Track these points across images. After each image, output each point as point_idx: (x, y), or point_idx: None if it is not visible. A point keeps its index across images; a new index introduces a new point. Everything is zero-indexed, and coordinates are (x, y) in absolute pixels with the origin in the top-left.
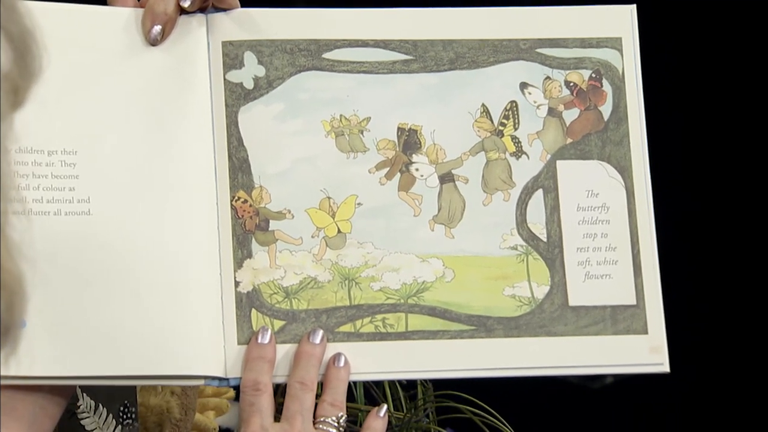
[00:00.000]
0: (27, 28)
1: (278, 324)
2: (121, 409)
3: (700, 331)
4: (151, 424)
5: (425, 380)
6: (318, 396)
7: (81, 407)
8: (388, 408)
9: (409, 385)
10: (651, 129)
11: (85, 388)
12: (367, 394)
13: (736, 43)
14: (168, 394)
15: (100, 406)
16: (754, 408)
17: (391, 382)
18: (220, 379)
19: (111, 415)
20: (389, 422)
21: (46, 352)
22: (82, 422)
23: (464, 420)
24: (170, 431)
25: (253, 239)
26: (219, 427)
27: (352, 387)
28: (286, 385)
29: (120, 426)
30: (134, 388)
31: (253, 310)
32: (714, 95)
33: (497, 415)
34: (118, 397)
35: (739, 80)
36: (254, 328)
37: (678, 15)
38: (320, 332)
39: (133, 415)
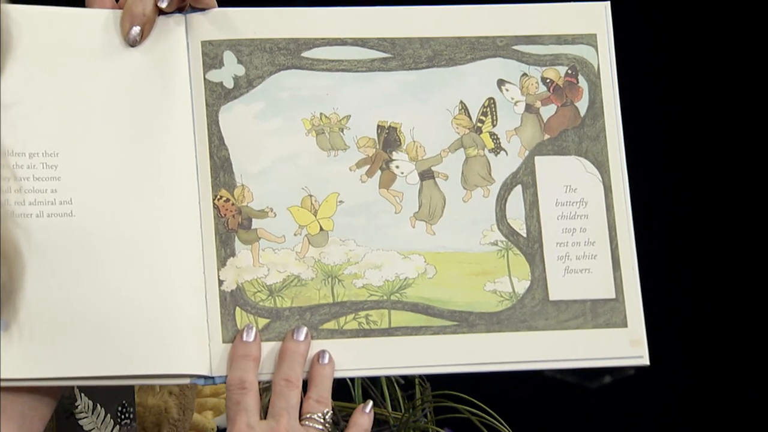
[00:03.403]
0: None
1: (262, 322)
2: (119, 409)
3: (696, 329)
4: (149, 424)
5: (423, 380)
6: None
7: (79, 407)
8: (387, 408)
9: (407, 385)
10: (627, 124)
11: (82, 389)
12: (365, 394)
13: (711, 36)
14: (166, 394)
15: (98, 406)
16: (752, 404)
17: (389, 382)
18: (205, 377)
19: (109, 416)
20: (387, 422)
21: (31, 354)
22: (80, 422)
23: (462, 420)
24: (168, 431)
25: (236, 238)
26: (217, 427)
27: (349, 386)
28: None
29: (118, 426)
30: (132, 388)
31: (238, 309)
32: (690, 88)
33: (495, 415)
34: (116, 397)
35: (715, 72)
36: (239, 327)
37: (652, 10)
38: (304, 329)
39: (131, 415)
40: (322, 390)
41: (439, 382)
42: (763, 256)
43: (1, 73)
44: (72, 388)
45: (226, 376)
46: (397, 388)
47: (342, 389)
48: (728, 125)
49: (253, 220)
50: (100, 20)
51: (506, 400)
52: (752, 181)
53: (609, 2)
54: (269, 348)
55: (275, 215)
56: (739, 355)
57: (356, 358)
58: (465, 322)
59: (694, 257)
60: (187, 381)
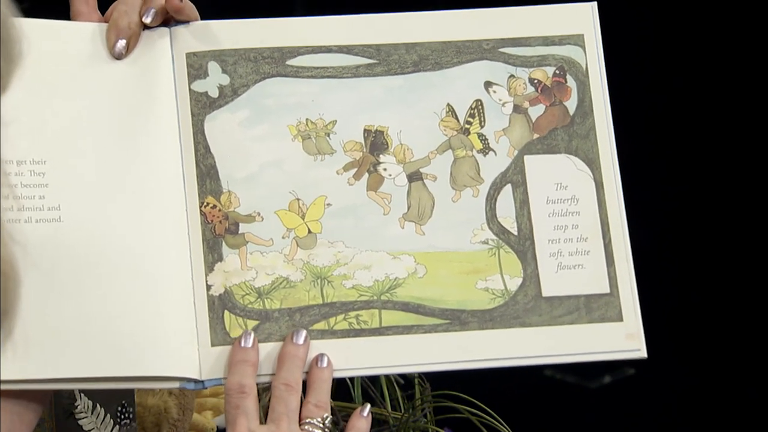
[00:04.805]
0: (5, 14)
1: (251, 324)
2: (119, 409)
3: (694, 329)
4: (149, 424)
5: (423, 380)
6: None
7: (79, 407)
8: (386, 408)
9: (407, 385)
10: (618, 121)
11: (82, 389)
12: (364, 394)
13: (696, 33)
14: (166, 394)
15: (98, 406)
16: (751, 404)
17: (389, 382)
18: (195, 381)
19: (108, 416)
20: (387, 422)
21: (21, 357)
22: (79, 422)
23: (462, 420)
24: (168, 431)
25: (224, 243)
26: (216, 427)
27: (349, 387)
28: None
29: (117, 426)
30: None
31: (226, 312)
32: (678, 82)
33: (495, 415)
34: (115, 397)
35: (703, 68)
36: (227, 330)
37: (639, 4)
38: (303, 333)
39: (131, 416)
40: (321, 394)
41: (439, 382)
42: (758, 251)
43: (8, 87)
44: (50, 394)
45: (216, 379)
46: (396, 388)
47: (342, 389)
48: (720, 116)
49: (240, 224)
50: (86, 33)
51: (506, 400)
52: (743, 175)
53: (596, 2)
54: (258, 348)
55: (262, 219)
56: (738, 355)
57: (347, 357)
58: (457, 320)
59: (691, 253)
60: (176, 385)
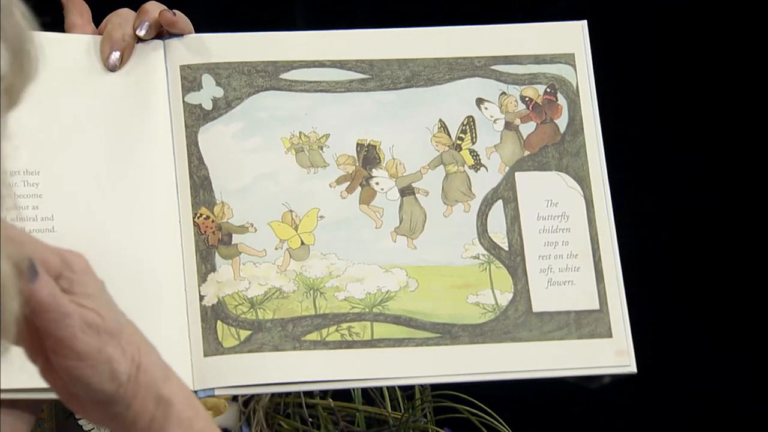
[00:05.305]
0: (23, 27)
1: (244, 334)
2: None
3: (694, 328)
4: None
5: None
6: None
7: None
8: (386, 408)
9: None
10: (608, 139)
11: None
12: (365, 394)
13: (684, 50)
14: None
15: None
16: (751, 404)
17: None
18: None
19: None
20: (387, 422)
21: (17, 365)
22: (79, 422)
23: (462, 420)
24: None
25: (217, 253)
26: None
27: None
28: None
29: None
30: None
31: (219, 322)
32: (677, 88)
33: (495, 415)
34: None
35: (690, 85)
36: (220, 340)
37: (628, 28)
38: None
39: None
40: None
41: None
42: (755, 259)
43: (20, 101)
44: (42, 404)
45: (209, 390)
46: (396, 388)
47: (342, 389)
48: (709, 132)
49: (233, 235)
50: (81, 45)
51: (506, 400)
52: (734, 191)
53: (586, 22)
54: (252, 359)
55: (256, 230)
56: (737, 356)
57: (339, 369)
58: (448, 334)
59: (684, 264)
60: None
